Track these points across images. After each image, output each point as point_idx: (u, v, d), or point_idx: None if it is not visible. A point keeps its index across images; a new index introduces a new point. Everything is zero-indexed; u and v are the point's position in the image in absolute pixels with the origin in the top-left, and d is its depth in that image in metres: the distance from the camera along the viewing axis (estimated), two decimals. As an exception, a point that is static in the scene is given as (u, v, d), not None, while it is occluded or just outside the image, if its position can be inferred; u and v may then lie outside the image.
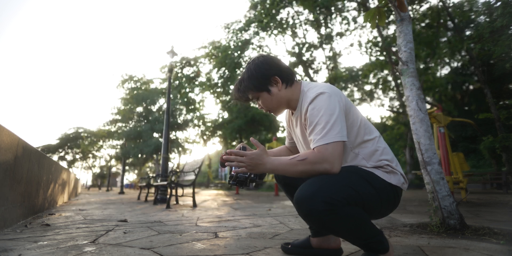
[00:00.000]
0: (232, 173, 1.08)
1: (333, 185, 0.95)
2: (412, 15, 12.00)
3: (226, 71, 15.81)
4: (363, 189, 0.99)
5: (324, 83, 1.13)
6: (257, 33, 16.46)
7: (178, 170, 7.50)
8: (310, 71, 16.74)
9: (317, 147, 0.98)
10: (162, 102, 17.35)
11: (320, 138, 0.98)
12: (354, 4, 14.54)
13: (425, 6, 13.25)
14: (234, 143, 21.08)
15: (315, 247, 1.32)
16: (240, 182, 1.09)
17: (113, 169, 43.79)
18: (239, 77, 1.23)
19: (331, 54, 18.40)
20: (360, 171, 1.05)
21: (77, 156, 35.24)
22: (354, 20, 14.42)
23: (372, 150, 1.09)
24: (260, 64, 1.17)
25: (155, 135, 15.27)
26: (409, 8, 7.61)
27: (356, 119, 1.11)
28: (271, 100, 1.18)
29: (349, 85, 40.32)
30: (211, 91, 18.80)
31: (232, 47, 15.79)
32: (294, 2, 14.07)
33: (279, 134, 19.39)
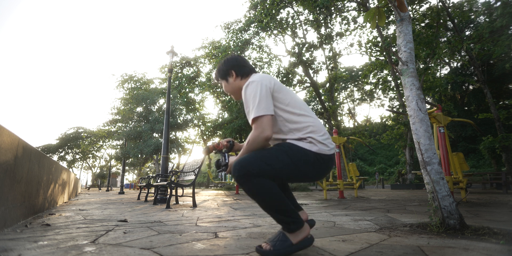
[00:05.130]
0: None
1: (252, 160, 1.25)
2: (412, 15, 12.00)
3: (226, 71, 15.77)
4: (277, 163, 1.26)
5: (259, 74, 1.44)
6: (257, 33, 16.46)
7: (178, 170, 7.50)
8: (310, 71, 16.73)
9: (253, 124, 1.31)
10: (162, 102, 17.32)
11: (250, 114, 1.32)
12: (354, 4, 14.55)
13: (424, 6, 13.25)
14: (234, 143, 21.01)
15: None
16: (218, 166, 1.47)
17: (113, 169, 43.79)
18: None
19: (331, 54, 18.40)
20: (282, 146, 1.34)
21: (77, 156, 35.22)
22: (354, 20, 14.42)
23: (302, 126, 1.36)
24: (225, 61, 1.59)
25: (155, 135, 15.25)
26: (409, 8, 7.60)
27: (286, 96, 1.40)
28: (227, 86, 1.57)
29: (349, 85, 40.38)
30: (211, 91, 18.79)
31: (232, 47, 15.78)
32: (294, 2, 14.06)
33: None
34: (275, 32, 16.68)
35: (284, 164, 1.28)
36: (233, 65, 1.55)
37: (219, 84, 1.69)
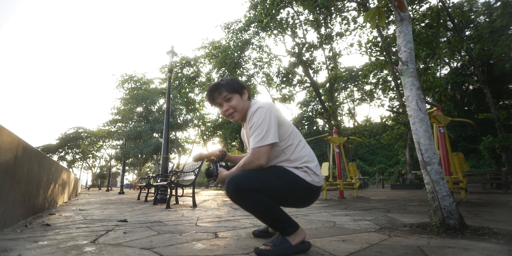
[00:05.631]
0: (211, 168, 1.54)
1: (246, 177, 1.32)
2: (412, 15, 11.99)
3: (226, 71, 15.80)
4: (270, 183, 1.33)
5: (261, 101, 1.48)
6: (257, 33, 16.46)
7: (178, 170, 7.50)
8: (310, 71, 16.72)
9: (252, 149, 1.36)
10: (162, 102, 17.31)
11: (254, 140, 1.36)
12: (354, 4, 14.54)
13: (424, 6, 13.23)
14: (234, 143, 21.05)
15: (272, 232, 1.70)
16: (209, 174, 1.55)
17: (113, 169, 43.77)
18: (214, 82, 1.57)
19: (331, 54, 18.40)
20: (276, 169, 1.41)
21: (77, 156, 35.21)
22: (354, 20, 14.41)
23: (299, 155, 1.44)
24: (235, 78, 1.56)
25: (155, 135, 15.25)
26: (409, 8, 7.59)
27: (288, 128, 1.45)
28: (240, 102, 1.49)
29: (349, 85, 40.37)
30: (211, 91, 18.73)
31: (232, 47, 15.78)
32: (294, 2, 14.06)
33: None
34: (275, 32, 16.67)
35: (277, 186, 1.35)
36: (243, 86, 1.56)
37: (220, 98, 1.50)
